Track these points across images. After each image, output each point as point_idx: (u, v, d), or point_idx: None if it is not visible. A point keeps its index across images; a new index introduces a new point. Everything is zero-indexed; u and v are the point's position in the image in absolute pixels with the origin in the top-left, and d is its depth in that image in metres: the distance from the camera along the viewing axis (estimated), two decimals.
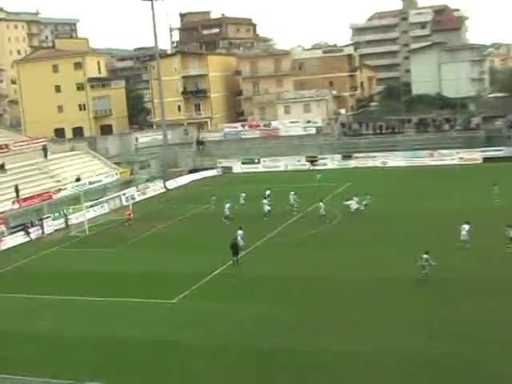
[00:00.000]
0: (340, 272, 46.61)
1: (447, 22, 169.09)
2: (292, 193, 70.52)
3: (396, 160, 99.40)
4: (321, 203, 64.83)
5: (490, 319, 35.59)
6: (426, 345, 32.91)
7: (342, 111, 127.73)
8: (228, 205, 67.68)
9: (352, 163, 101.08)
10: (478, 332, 34.10)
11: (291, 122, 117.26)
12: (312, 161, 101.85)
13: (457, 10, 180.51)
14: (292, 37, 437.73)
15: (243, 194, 72.60)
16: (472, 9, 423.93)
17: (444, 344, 32.86)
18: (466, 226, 49.94)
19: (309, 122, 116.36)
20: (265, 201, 67.88)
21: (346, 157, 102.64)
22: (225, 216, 66.73)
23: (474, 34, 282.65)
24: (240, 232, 53.29)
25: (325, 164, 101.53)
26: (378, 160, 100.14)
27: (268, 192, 71.71)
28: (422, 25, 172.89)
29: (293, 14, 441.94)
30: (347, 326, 36.31)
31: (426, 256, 42.38)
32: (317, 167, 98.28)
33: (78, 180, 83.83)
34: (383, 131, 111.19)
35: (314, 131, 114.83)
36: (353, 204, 64.95)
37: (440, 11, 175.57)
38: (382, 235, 56.27)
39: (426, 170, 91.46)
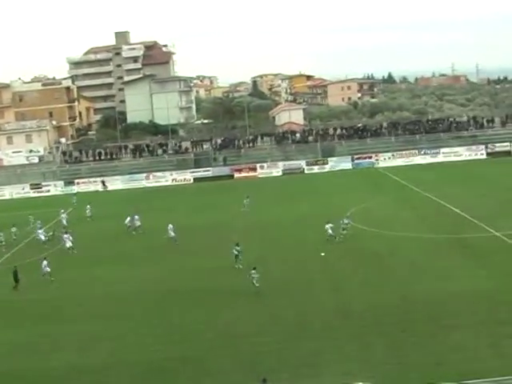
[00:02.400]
0: (69, 292, 45.40)
1: (157, 57, 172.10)
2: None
3: (115, 183, 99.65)
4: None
5: (211, 321, 36.77)
6: (152, 351, 33.23)
7: (63, 140, 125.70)
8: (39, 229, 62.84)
9: (74, 188, 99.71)
10: (201, 334, 35.09)
11: (14, 152, 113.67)
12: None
13: (165, 45, 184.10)
14: (11, 70, 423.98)
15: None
16: (178, 45, 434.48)
17: (169, 348, 33.44)
18: (329, 225, 52.71)
19: (31, 151, 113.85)
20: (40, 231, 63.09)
21: (69, 183, 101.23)
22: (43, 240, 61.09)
23: (181, 68, 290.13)
24: (45, 262, 48.61)
25: (48, 190, 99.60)
26: (99, 184, 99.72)
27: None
28: (135, 59, 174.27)
29: (11, 48, 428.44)
30: (79, 341, 35.58)
31: (253, 271, 41.30)
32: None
33: None
34: (102, 157, 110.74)
35: (36, 160, 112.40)
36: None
37: (150, 47, 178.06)
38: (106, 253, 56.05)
39: (144, 191, 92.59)
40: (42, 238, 61.33)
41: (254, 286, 40.95)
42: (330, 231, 52.44)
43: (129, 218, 63.87)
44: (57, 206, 77.22)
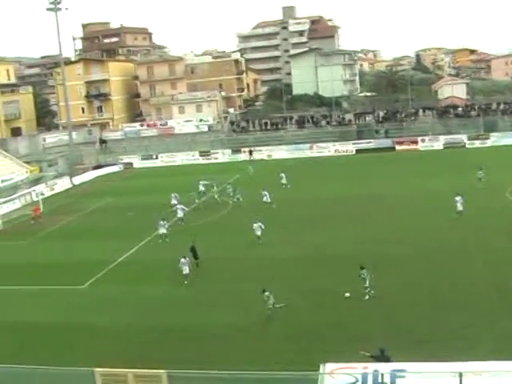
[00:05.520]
0: (229, 254, 46.74)
1: (322, 31, 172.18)
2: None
3: (280, 153, 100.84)
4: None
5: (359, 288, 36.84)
6: (302, 314, 33.80)
7: (231, 110, 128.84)
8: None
9: (241, 157, 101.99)
10: (348, 300, 35.35)
11: (185, 121, 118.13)
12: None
13: (330, 20, 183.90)
14: (184, 44, 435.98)
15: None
16: (343, 19, 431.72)
17: (318, 312, 33.81)
18: (459, 198, 50.96)
19: (201, 120, 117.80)
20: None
21: (235, 151, 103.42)
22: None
23: (346, 41, 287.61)
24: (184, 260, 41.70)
25: (216, 158, 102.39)
26: (264, 153, 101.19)
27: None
28: (300, 33, 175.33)
29: (185, 23, 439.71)
30: (234, 300, 36.92)
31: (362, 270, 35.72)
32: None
33: None
34: (268, 127, 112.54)
35: (205, 129, 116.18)
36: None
37: (316, 21, 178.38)
38: (273, 220, 56.00)
39: (307, 161, 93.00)
40: (180, 213, 58.41)
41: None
42: None
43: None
44: (225, 173, 79.40)
